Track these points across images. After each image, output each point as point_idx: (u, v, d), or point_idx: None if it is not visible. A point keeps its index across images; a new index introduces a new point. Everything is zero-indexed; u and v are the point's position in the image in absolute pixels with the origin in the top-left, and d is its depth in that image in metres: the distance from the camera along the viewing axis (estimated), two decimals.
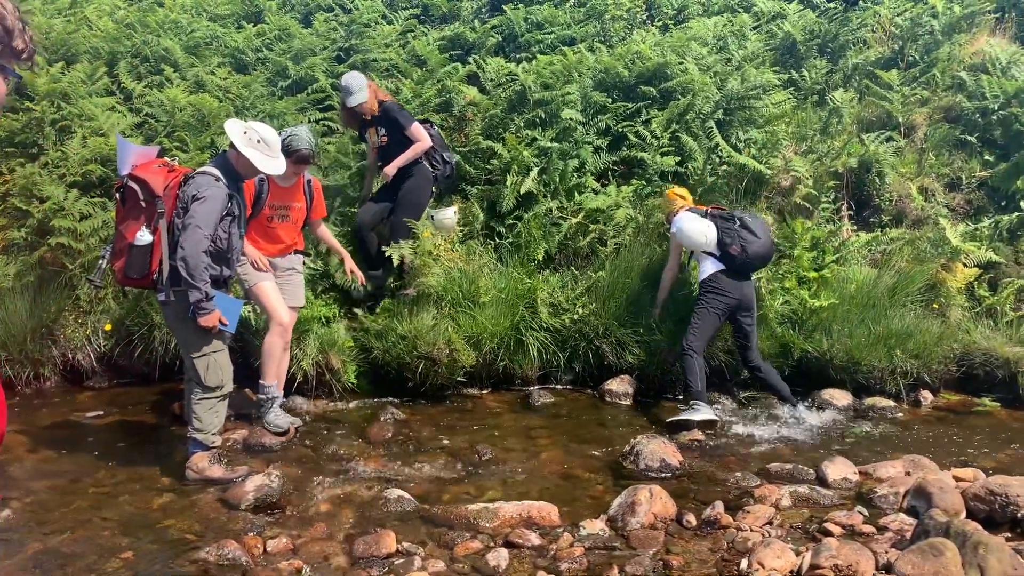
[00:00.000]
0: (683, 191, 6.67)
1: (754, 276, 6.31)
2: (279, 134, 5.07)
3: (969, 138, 7.95)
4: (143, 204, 4.59)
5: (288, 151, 5.15)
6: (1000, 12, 9.16)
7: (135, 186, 4.60)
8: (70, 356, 6.35)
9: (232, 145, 4.69)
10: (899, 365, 6.48)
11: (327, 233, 6.04)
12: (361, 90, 6.25)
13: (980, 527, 3.78)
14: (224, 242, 4.68)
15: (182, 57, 8.19)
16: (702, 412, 5.76)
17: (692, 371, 5.91)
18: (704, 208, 6.37)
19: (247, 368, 5.97)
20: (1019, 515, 4.28)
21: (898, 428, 6.02)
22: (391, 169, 6.33)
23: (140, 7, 9.36)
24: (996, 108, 7.84)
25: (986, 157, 7.89)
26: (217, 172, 4.63)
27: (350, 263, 6.07)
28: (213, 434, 4.75)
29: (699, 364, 5.95)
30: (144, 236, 4.52)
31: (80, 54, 8.24)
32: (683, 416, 5.75)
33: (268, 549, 3.93)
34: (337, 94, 7.30)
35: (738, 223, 6.06)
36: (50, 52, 8.17)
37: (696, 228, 6.13)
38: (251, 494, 4.42)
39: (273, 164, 4.77)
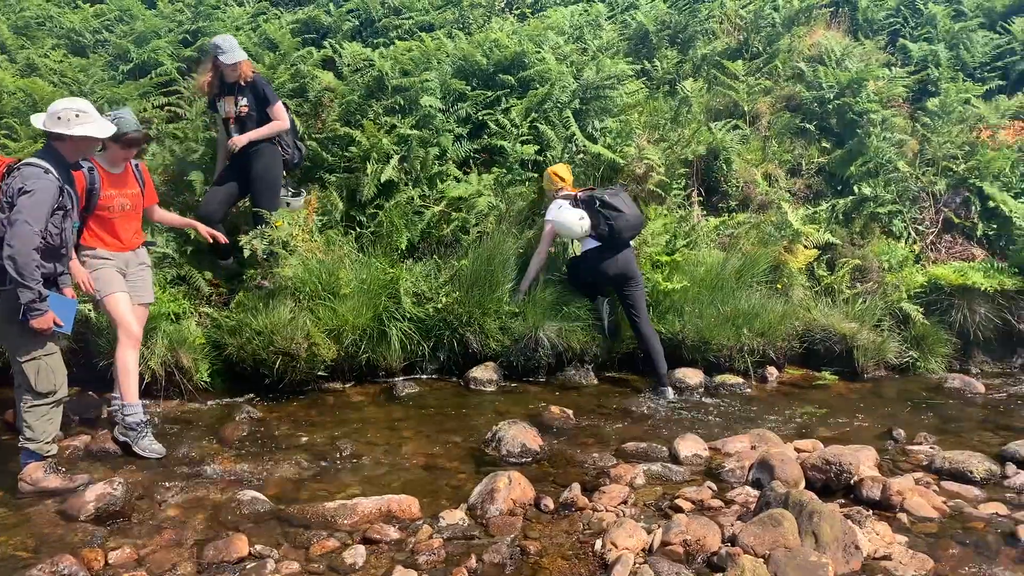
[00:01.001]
0: (564, 170, 6.85)
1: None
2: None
3: (808, 126, 8.42)
4: None
5: (115, 136, 4.81)
6: (835, 6, 9.73)
7: None
8: None
9: (50, 136, 4.37)
10: (746, 343, 6.82)
11: (165, 214, 5.65)
12: (236, 50, 5.98)
13: (816, 496, 4.03)
14: (55, 238, 4.36)
15: (10, 39, 7.59)
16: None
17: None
18: (575, 192, 6.55)
19: (90, 369, 5.64)
20: (852, 482, 4.59)
21: (747, 403, 6.34)
22: (242, 140, 6.07)
23: None
24: (832, 98, 8.33)
25: (823, 144, 8.38)
26: (44, 163, 4.29)
27: (204, 228, 5.69)
28: (47, 443, 4.44)
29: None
30: None
31: None
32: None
33: (110, 561, 3.71)
34: (198, 62, 7.06)
35: (598, 203, 6.40)
36: None
37: (572, 219, 6.43)
38: (92, 504, 4.15)
39: (104, 126, 4.49)
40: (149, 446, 5.00)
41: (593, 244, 6.53)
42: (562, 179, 6.76)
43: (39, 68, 7.24)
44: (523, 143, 7.37)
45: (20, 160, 4.42)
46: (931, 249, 8.09)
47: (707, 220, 7.73)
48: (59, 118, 4.34)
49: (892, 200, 7.98)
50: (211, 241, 5.79)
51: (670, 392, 6.39)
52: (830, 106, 8.35)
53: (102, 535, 3.97)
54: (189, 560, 3.76)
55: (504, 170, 7.35)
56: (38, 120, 4.44)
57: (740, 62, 8.65)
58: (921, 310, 7.32)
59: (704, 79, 8.76)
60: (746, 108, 8.42)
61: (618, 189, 6.69)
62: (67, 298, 4.54)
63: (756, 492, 4.40)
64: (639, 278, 6.58)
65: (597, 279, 6.63)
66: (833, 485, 4.58)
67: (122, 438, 5.05)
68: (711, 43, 9.05)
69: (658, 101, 8.31)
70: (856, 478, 4.57)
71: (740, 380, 6.71)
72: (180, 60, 7.65)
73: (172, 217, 5.75)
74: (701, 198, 7.96)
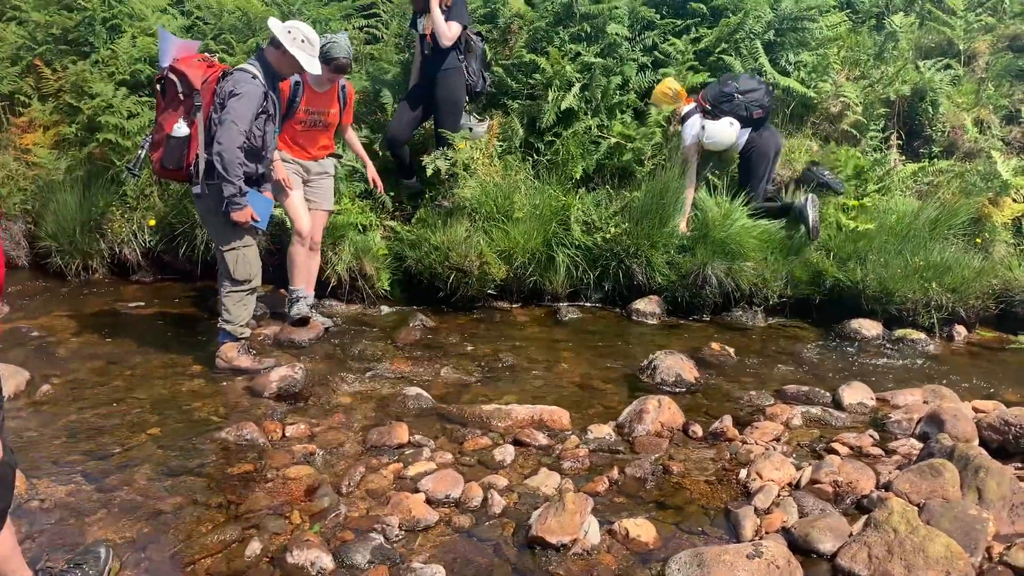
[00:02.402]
0: (679, 86, 6.72)
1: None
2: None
3: None
4: (181, 97, 4.69)
5: (326, 58, 5.20)
6: None
7: (174, 78, 4.69)
8: (117, 250, 6.61)
9: (272, 42, 4.75)
10: (934, 298, 6.35)
11: (354, 138, 6.09)
12: None
13: (984, 452, 3.78)
14: (258, 139, 4.77)
15: None
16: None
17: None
18: (698, 103, 6.62)
19: (282, 269, 6.17)
20: None
21: (927, 360, 5.96)
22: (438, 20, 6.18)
23: None
24: None
25: None
26: (254, 69, 4.70)
27: (372, 171, 6.15)
28: (242, 326, 4.94)
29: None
30: (181, 128, 4.63)
31: None
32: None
33: (286, 434, 4.12)
34: None
35: (737, 94, 6.43)
36: None
37: (722, 128, 6.42)
38: (275, 383, 4.61)
39: (315, 64, 4.84)
40: (294, 311, 5.64)
41: (746, 135, 6.52)
42: (678, 92, 6.66)
43: None
44: (693, 71, 7.15)
45: (234, 67, 4.85)
46: None
47: (904, 165, 7.21)
48: (288, 32, 4.73)
49: None
50: (372, 185, 6.21)
51: None
52: None
53: (281, 411, 4.41)
54: (355, 441, 4.10)
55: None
56: (275, 23, 4.81)
57: None
58: None
59: (916, 14, 8.08)
60: (962, 47, 7.70)
61: (733, 75, 6.72)
62: (265, 197, 4.96)
63: (921, 445, 4.18)
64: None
65: (771, 163, 6.65)
66: (1010, 448, 4.25)
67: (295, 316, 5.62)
68: None
69: (861, 35, 7.77)
70: None
71: (923, 336, 6.28)
72: None
73: (358, 146, 6.14)
74: (901, 142, 7.42)
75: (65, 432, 4.03)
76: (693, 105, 6.62)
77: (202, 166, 4.65)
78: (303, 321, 5.62)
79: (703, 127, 6.43)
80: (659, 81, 7.18)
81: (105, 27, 7.19)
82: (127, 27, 7.19)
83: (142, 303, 6.13)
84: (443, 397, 4.74)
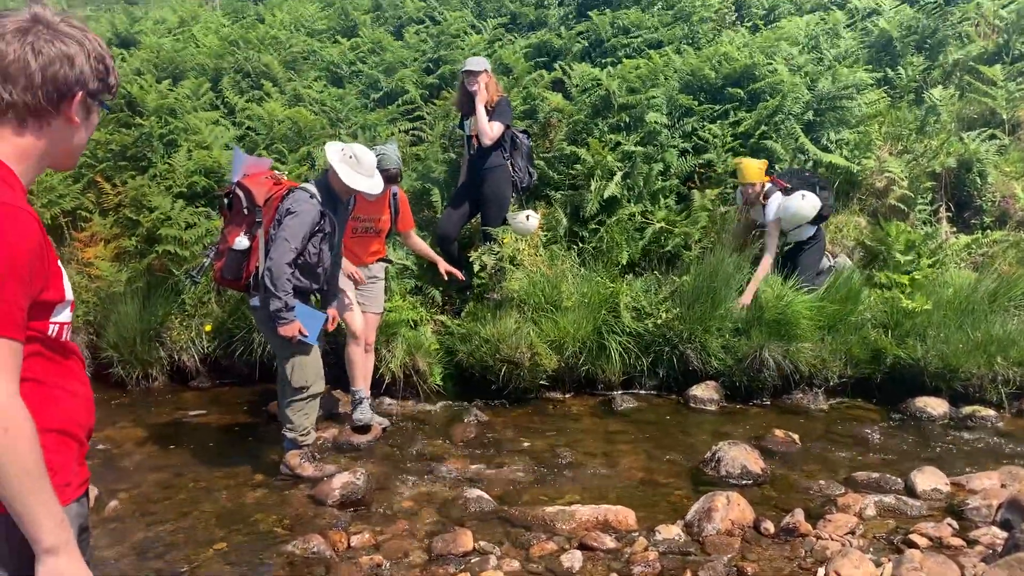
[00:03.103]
0: (761, 163, 6.72)
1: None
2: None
3: None
4: (245, 212, 4.83)
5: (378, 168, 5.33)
6: None
7: (241, 194, 4.83)
8: (176, 357, 6.74)
9: (330, 164, 4.87)
10: (1000, 373, 6.19)
11: (418, 242, 6.24)
12: (478, 63, 6.43)
13: None
14: (313, 256, 4.81)
15: (280, 72, 8.56)
16: None
17: None
18: (776, 182, 6.68)
19: (339, 368, 6.22)
20: None
21: (999, 439, 5.76)
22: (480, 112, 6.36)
23: (243, 24, 9.83)
24: None
25: None
26: (313, 189, 4.82)
27: (444, 265, 6.28)
28: (303, 434, 4.97)
29: None
30: (242, 241, 4.76)
31: (187, 71, 8.74)
32: None
33: (352, 544, 4.10)
34: (440, 89, 7.86)
35: (818, 185, 6.53)
36: (159, 70, 8.70)
37: (805, 206, 6.42)
38: (338, 491, 4.61)
39: (364, 182, 4.89)
40: (357, 416, 5.67)
41: (812, 231, 6.61)
42: (763, 167, 6.73)
43: (303, 98, 8.11)
44: (733, 153, 7.22)
45: (299, 185, 4.98)
46: None
47: (957, 238, 7.12)
48: (341, 150, 4.88)
49: None
50: (446, 277, 6.33)
51: None
52: None
53: (345, 520, 4.40)
54: (420, 549, 4.06)
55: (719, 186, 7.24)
56: (330, 146, 4.93)
57: (999, 67, 7.92)
58: None
59: (955, 86, 8.10)
60: (1005, 116, 7.68)
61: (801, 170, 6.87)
62: (316, 311, 4.99)
63: (1004, 534, 4.01)
64: None
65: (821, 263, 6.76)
66: None
67: (358, 422, 5.64)
68: (965, 47, 8.35)
69: (901, 111, 7.80)
70: None
71: (992, 413, 6.09)
72: (423, 87, 8.25)
73: (423, 248, 6.32)
74: (950, 214, 7.36)
75: (134, 551, 4.05)
76: (774, 183, 6.67)
77: (260, 279, 4.77)
78: (365, 428, 5.63)
79: (781, 201, 6.53)
80: (701, 165, 7.27)
81: (162, 142, 7.51)
82: (182, 141, 7.50)
83: (203, 410, 6.20)
84: (503, 497, 4.69)
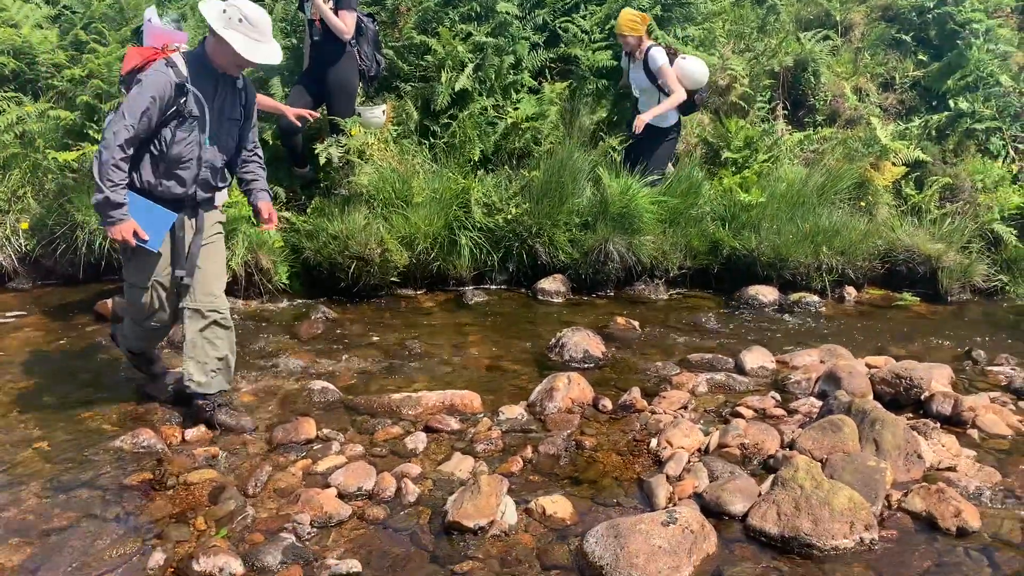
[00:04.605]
0: (638, 15, 6.62)
1: None
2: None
3: (904, 37, 7.98)
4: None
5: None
6: None
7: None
8: None
9: (210, 29, 3.74)
10: (825, 262, 6.63)
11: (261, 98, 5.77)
12: None
13: (879, 405, 3.95)
14: (173, 147, 3.77)
15: None
16: None
17: None
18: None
19: None
20: (922, 397, 4.47)
21: (821, 321, 6.20)
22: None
23: None
24: (931, 6, 7.84)
25: (920, 57, 7.93)
26: (177, 58, 3.76)
27: (291, 112, 6.00)
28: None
29: None
30: None
31: None
32: None
33: (186, 438, 3.94)
34: None
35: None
36: None
37: (700, 66, 6.46)
38: (171, 387, 4.39)
39: (262, 50, 3.75)
40: None
41: (675, 118, 6.62)
42: (643, 18, 6.61)
43: None
44: (596, 51, 7.19)
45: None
46: None
47: (791, 135, 7.45)
48: (223, 11, 3.70)
49: (991, 116, 7.53)
50: (298, 123, 6.01)
51: None
52: (929, 16, 7.88)
53: (179, 416, 4.19)
54: (260, 440, 3.96)
55: (576, 80, 7.21)
56: (209, 10, 3.72)
57: None
58: (1015, 232, 6.95)
59: None
60: (838, 18, 8.01)
61: None
62: (162, 209, 3.85)
63: (820, 403, 4.34)
64: None
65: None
66: (902, 399, 4.48)
67: None
68: None
69: (744, 9, 7.98)
70: (927, 393, 4.44)
71: (816, 299, 6.54)
72: None
73: (267, 102, 5.89)
74: (786, 112, 7.67)
75: None
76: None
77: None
78: None
79: (675, 54, 6.50)
80: (552, 59, 7.20)
81: None
82: None
83: (23, 312, 5.75)
84: (350, 389, 4.63)
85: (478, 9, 7.13)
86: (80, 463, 3.68)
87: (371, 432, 4.05)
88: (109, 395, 4.46)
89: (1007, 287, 6.93)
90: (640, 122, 6.46)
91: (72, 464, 3.67)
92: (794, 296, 6.54)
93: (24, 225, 6.02)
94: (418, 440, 3.91)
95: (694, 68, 6.42)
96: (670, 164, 6.91)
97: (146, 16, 4.05)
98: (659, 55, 6.45)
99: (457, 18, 7.11)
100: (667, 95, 6.43)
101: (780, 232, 6.64)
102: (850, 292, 6.75)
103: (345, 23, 6.03)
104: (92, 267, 6.12)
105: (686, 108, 6.64)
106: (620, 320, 5.78)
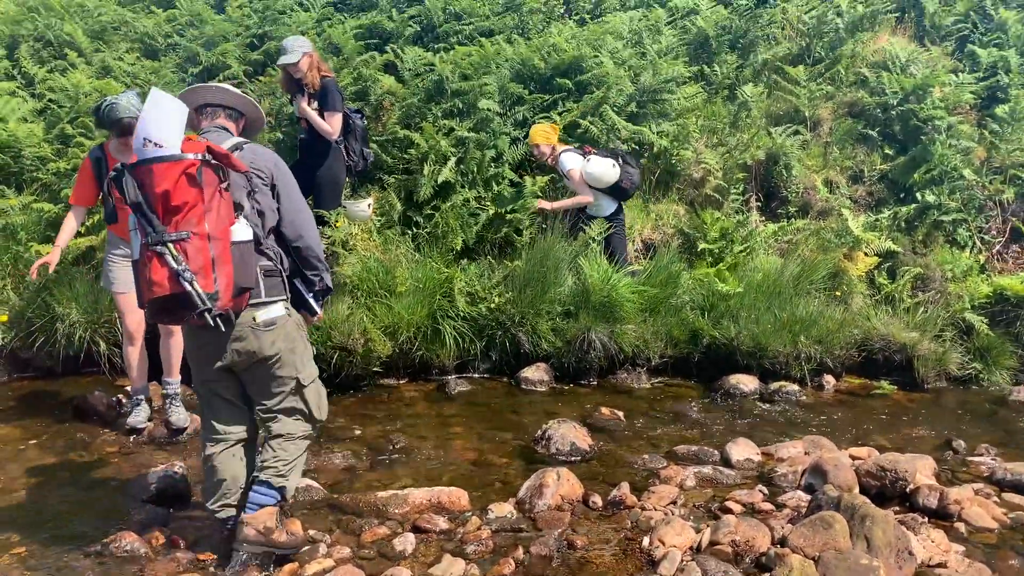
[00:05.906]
0: (545, 125, 7.05)
1: None
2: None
3: (871, 132, 8.27)
4: (224, 188, 3.36)
5: (109, 122, 4.58)
6: (900, 12, 9.51)
7: (215, 161, 3.29)
8: None
9: None
10: (804, 351, 6.72)
11: None
12: (294, 51, 6.03)
13: (868, 501, 3.96)
14: None
15: (86, 42, 7.92)
16: None
17: None
18: (575, 148, 6.98)
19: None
20: (907, 490, 4.50)
21: (802, 411, 6.25)
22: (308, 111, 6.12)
23: None
24: (895, 104, 8.17)
25: (886, 151, 8.23)
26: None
27: None
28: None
29: None
30: (244, 231, 3.46)
31: None
32: None
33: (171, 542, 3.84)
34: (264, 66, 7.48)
35: (620, 159, 6.80)
36: None
37: (606, 165, 6.73)
38: (154, 486, 4.30)
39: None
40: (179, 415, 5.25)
41: (613, 207, 6.89)
42: (554, 128, 7.04)
43: (113, 70, 7.54)
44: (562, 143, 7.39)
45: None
46: (997, 259, 7.89)
47: (766, 226, 7.65)
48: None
49: (957, 208, 7.79)
50: None
51: None
52: (894, 112, 8.19)
53: (163, 516, 4.09)
54: None
55: (557, 174, 7.39)
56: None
57: (802, 67, 8.55)
58: (986, 321, 7.13)
59: (765, 84, 8.67)
60: (807, 113, 8.32)
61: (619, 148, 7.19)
62: None
63: (808, 496, 4.34)
64: None
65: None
66: (888, 492, 4.50)
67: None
68: (772, 48, 8.95)
69: (717, 105, 8.27)
70: (912, 486, 4.47)
71: (796, 387, 6.61)
72: (247, 63, 7.88)
73: None
74: (760, 203, 7.89)
75: None
76: (572, 148, 6.94)
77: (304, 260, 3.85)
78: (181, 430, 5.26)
79: (581, 157, 6.81)
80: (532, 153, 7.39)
81: None
82: None
83: None
84: (334, 486, 4.56)
85: (460, 106, 7.33)
86: (61, 570, 3.57)
87: (358, 533, 3.97)
88: (88, 495, 4.36)
89: (981, 375, 7.06)
90: (539, 204, 6.97)
91: (52, 571, 3.56)
92: (774, 385, 6.61)
93: (3, 318, 5.97)
94: (407, 541, 3.84)
95: (594, 170, 6.76)
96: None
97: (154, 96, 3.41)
98: (567, 161, 6.86)
99: (440, 114, 7.30)
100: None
101: (758, 321, 6.75)
102: (829, 381, 6.84)
103: (332, 125, 6.17)
104: (71, 360, 6.06)
105: (621, 194, 6.92)
106: (605, 410, 5.79)
